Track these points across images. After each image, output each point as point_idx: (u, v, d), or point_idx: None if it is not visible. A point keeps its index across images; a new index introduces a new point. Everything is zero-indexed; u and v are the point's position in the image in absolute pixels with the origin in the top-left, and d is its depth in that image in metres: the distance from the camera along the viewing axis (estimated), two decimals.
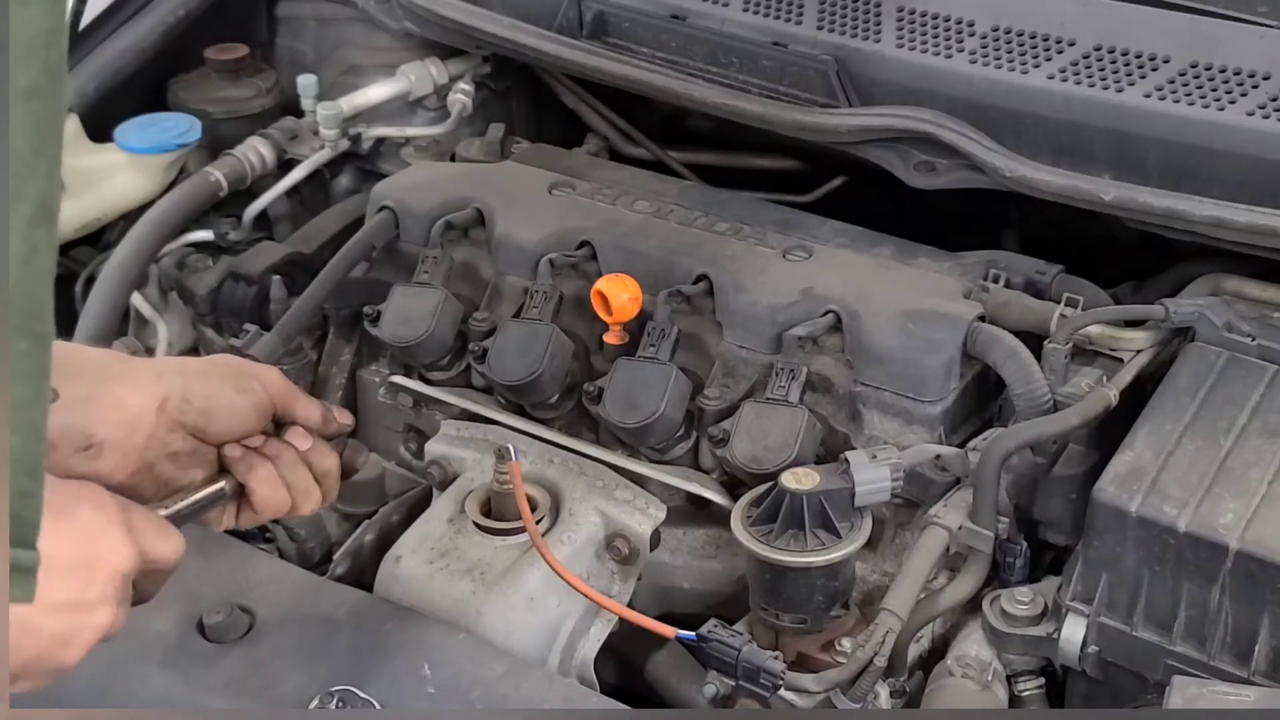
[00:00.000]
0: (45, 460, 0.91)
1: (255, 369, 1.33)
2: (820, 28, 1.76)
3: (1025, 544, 1.44)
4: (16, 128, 0.83)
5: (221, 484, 1.26)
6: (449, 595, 1.46)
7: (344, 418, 1.38)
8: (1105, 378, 1.50)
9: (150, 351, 1.93)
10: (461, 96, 2.06)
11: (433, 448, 1.65)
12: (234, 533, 1.40)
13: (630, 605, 1.48)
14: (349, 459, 1.38)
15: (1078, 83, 1.61)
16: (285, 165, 2.03)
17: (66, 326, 1.80)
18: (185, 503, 1.23)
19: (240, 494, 1.28)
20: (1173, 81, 1.57)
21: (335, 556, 1.60)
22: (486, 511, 1.52)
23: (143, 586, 1.09)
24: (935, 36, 1.70)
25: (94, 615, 1.00)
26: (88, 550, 1.00)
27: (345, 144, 2.03)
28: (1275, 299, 1.54)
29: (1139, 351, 1.52)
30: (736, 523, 1.41)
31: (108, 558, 1.02)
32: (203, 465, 1.27)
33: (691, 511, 1.59)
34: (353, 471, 1.39)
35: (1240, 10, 1.59)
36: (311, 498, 1.31)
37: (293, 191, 2.03)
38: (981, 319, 1.55)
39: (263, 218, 2.01)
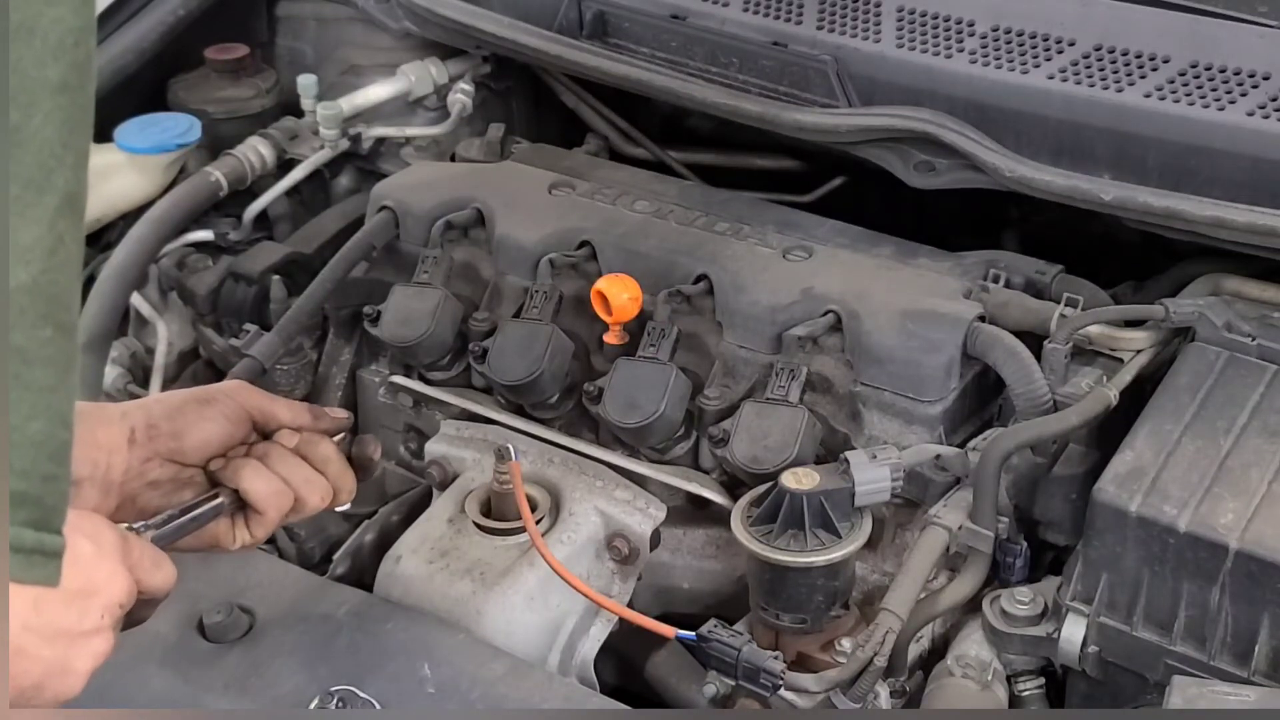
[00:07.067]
0: (70, 446, 0.91)
1: (217, 385, 1.34)
2: (820, 28, 1.76)
3: (1025, 544, 1.44)
4: (45, 121, 0.85)
5: (215, 495, 1.24)
6: (449, 595, 1.46)
7: (339, 414, 1.36)
8: (1105, 378, 1.50)
9: (150, 352, 1.93)
10: (461, 96, 2.06)
11: (433, 448, 1.65)
12: None
13: (630, 605, 1.49)
14: (359, 454, 1.33)
15: (1078, 83, 1.61)
16: (285, 165, 2.03)
17: None
18: (177, 515, 1.20)
19: (241, 505, 1.26)
20: (1173, 81, 1.57)
21: (335, 556, 1.60)
22: (486, 511, 1.52)
23: (136, 612, 1.10)
24: (935, 36, 1.70)
25: (90, 643, 1.01)
26: (85, 580, 0.99)
27: (345, 144, 2.03)
28: (1275, 299, 1.54)
29: (1139, 351, 1.52)
30: (736, 523, 1.41)
31: (105, 588, 1.02)
32: (188, 489, 1.27)
33: (691, 511, 1.59)
34: (370, 465, 1.34)
35: (1240, 10, 1.59)
36: (317, 487, 1.28)
37: (293, 191, 2.03)
38: (981, 319, 1.55)
39: (263, 218, 2.01)
